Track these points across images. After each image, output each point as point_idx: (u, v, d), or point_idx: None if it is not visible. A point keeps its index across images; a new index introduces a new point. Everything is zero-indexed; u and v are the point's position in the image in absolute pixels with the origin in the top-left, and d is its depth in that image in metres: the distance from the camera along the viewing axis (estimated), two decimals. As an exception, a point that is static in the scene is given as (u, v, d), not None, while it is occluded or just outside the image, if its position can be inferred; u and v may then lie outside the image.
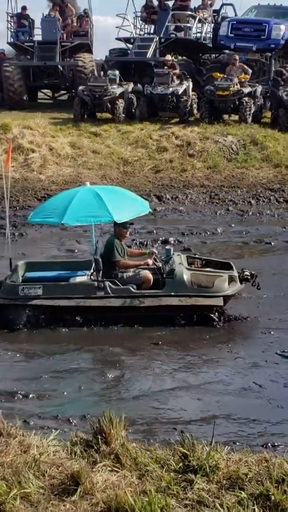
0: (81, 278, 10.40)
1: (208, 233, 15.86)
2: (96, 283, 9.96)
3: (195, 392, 7.94)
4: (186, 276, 10.03)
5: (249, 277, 10.56)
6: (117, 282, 10.00)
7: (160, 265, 10.35)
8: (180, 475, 4.78)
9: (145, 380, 8.35)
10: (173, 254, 10.60)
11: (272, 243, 14.98)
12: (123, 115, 23.33)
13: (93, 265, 10.11)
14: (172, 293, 9.95)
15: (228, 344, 9.37)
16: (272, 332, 9.72)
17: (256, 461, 4.96)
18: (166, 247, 11.10)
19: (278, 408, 7.51)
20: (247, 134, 22.66)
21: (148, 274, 10.21)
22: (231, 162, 21.78)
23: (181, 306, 9.93)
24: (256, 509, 4.30)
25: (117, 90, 23.03)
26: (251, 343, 9.56)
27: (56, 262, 11.66)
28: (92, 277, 10.20)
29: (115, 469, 4.90)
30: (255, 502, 4.38)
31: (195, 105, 24.37)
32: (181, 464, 4.88)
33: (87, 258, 11.05)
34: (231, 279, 10.23)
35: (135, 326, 9.79)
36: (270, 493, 4.42)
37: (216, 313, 9.98)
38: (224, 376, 8.35)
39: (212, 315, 9.93)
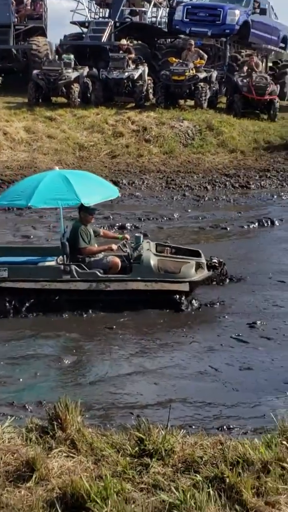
0: (50, 263, 10.36)
1: (165, 218, 15.89)
2: (62, 267, 9.94)
3: (151, 377, 7.95)
4: (153, 261, 10.04)
5: (217, 265, 10.64)
6: (84, 266, 9.98)
7: (129, 251, 10.35)
8: (136, 460, 4.79)
9: (102, 366, 8.33)
10: (142, 241, 10.61)
11: (228, 228, 15.08)
12: (79, 100, 23.21)
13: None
14: (138, 278, 9.97)
15: (183, 328, 9.40)
16: (226, 317, 9.79)
17: (211, 444, 4.99)
18: (136, 234, 11.10)
19: (234, 391, 7.57)
20: (203, 119, 22.74)
21: (115, 259, 10.21)
22: (187, 147, 21.85)
23: (147, 290, 9.94)
24: (211, 491, 4.33)
25: (72, 74, 22.87)
26: (207, 327, 9.60)
27: (26, 247, 11.58)
28: (59, 261, 10.16)
29: (71, 454, 4.88)
30: (210, 485, 4.41)
31: (150, 90, 24.35)
32: (137, 449, 4.88)
33: (58, 244, 10.97)
34: (198, 266, 10.27)
35: (91, 311, 9.76)
36: (225, 475, 4.45)
37: (182, 298, 10.02)
38: (180, 360, 8.38)
39: (178, 300, 9.97)
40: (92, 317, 9.71)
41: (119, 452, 4.89)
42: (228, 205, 17.66)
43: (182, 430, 5.33)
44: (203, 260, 10.43)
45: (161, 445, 4.85)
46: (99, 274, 9.95)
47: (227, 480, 4.44)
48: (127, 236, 10.80)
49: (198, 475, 4.53)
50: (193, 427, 6.44)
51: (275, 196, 18.57)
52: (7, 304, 9.76)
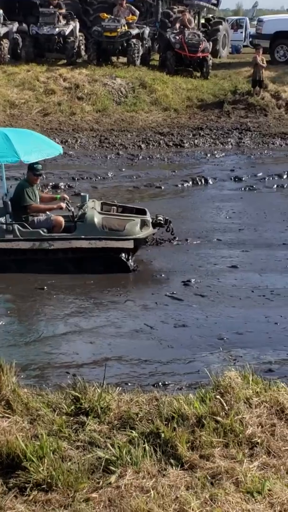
0: None
1: (99, 177, 15.78)
2: (4, 226, 9.80)
3: (86, 336, 7.96)
4: (97, 219, 9.99)
5: (162, 222, 10.63)
6: (27, 225, 9.85)
7: (73, 210, 10.24)
8: (72, 418, 4.81)
9: (37, 326, 8.30)
10: (87, 200, 10.49)
11: (162, 187, 15.10)
12: (8, 56, 22.72)
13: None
14: (82, 236, 9.91)
15: (117, 288, 9.42)
16: (161, 275, 9.85)
17: (147, 401, 5.04)
18: (81, 194, 10.96)
19: (169, 348, 7.65)
20: (136, 76, 22.55)
21: (59, 218, 10.13)
22: (120, 105, 21.66)
23: (91, 248, 9.90)
24: (147, 447, 4.39)
25: (1, 29, 22.27)
26: (141, 286, 9.65)
27: None
28: (1, 220, 9.99)
29: (6, 415, 4.87)
30: (145, 440, 4.47)
31: (82, 47, 23.98)
32: (72, 407, 4.90)
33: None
34: (143, 224, 10.25)
35: (23, 272, 9.66)
36: (160, 431, 4.52)
37: (127, 256, 10.01)
38: (115, 319, 8.41)
39: (123, 258, 9.96)
40: (23, 277, 9.61)
41: (55, 411, 4.90)
42: (162, 164, 17.64)
43: (118, 387, 5.37)
44: (148, 217, 10.40)
45: (97, 403, 4.88)
46: (42, 233, 9.85)
47: (163, 435, 4.50)
48: (65, 195, 10.67)
49: (133, 431, 4.58)
50: (129, 384, 6.49)
51: (209, 155, 18.63)
52: None
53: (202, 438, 4.51)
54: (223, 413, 4.74)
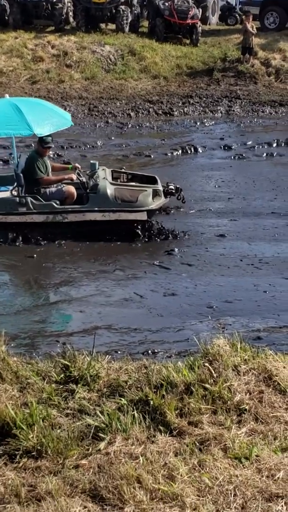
0: (4, 193, 10.10)
1: (88, 146, 15.69)
2: (17, 199, 9.72)
3: (76, 305, 7.99)
4: (110, 190, 9.92)
5: (173, 191, 10.58)
6: (39, 197, 9.78)
7: (84, 179, 10.16)
8: (61, 386, 4.84)
9: (27, 295, 8.31)
10: (98, 168, 10.39)
11: (152, 156, 15.03)
12: (-4, 23, 22.34)
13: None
14: (96, 208, 9.85)
15: (104, 256, 9.43)
16: (148, 245, 9.85)
17: (136, 369, 5.07)
18: (91, 161, 10.88)
19: (158, 316, 7.69)
20: (125, 44, 22.32)
21: (71, 189, 10.05)
22: (109, 73, 21.47)
23: (104, 221, 9.86)
24: (136, 414, 4.42)
25: (-12, -4, 21.95)
26: (128, 255, 9.61)
27: None
28: (14, 192, 9.92)
29: (-4, 384, 4.89)
30: (134, 408, 4.50)
31: (71, 13, 23.62)
32: (62, 375, 4.92)
33: (10, 173, 10.65)
34: (155, 193, 10.20)
35: (9, 241, 9.66)
36: (149, 398, 4.55)
37: (140, 228, 9.99)
38: (105, 288, 8.43)
39: (136, 230, 9.94)
40: (11, 246, 9.59)
41: (45, 380, 4.92)
42: (151, 132, 17.55)
43: (107, 356, 5.40)
44: (160, 187, 10.36)
45: (87, 371, 4.91)
46: (55, 205, 9.80)
47: (151, 403, 4.53)
48: (77, 165, 10.58)
49: (123, 399, 4.61)
50: (118, 352, 6.54)
51: (198, 123, 18.54)
52: None
53: (191, 405, 4.55)
54: (212, 380, 4.77)
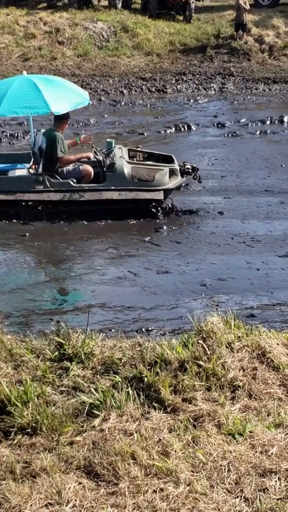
0: (21, 171, 10.07)
1: (81, 124, 15.62)
2: (35, 177, 9.70)
3: (70, 283, 7.99)
4: (127, 169, 9.90)
5: (190, 170, 10.54)
6: (57, 176, 9.74)
7: (101, 158, 10.09)
8: (55, 364, 4.84)
9: (20, 274, 8.30)
10: (114, 147, 10.33)
11: (145, 134, 14.98)
12: (-13, -1, 22.12)
13: (32, 158, 9.82)
14: (113, 187, 9.82)
15: (95, 234, 9.42)
16: (141, 222, 9.83)
17: (130, 346, 5.08)
18: (107, 140, 10.82)
19: (152, 294, 7.70)
20: (118, 20, 22.13)
21: (88, 168, 10.02)
22: (102, 50, 21.32)
23: (121, 200, 9.84)
24: (130, 391, 4.44)
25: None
26: (118, 233, 9.59)
27: None
28: (31, 170, 9.88)
29: (-10, 362, 4.90)
30: (129, 385, 4.52)
31: (63, -11, 23.42)
32: (56, 353, 4.93)
33: (27, 150, 10.61)
34: (172, 173, 10.17)
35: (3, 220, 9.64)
36: (143, 375, 4.56)
37: (156, 207, 9.97)
38: (98, 266, 8.43)
39: (153, 209, 9.92)
40: (5, 224, 9.56)
41: (39, 357, 4.93)
42: (144, 110, 17.47)
43: (102, 333, 5.40)
44: (176, 166, 10.32)
45: (81, 349, 4.91)
46: (72, 183, 9.76)
47: (146, 380, 4.55)
48: (86, 134, 10.48)
49: (117, 376, 4.62)
50: (112, 330, 6.55)
51: (192, 100, 18.45)
52: None
53: (185, 382, 4.56)
54: (205, 357, 4.79)
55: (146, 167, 10.15)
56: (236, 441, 4.09)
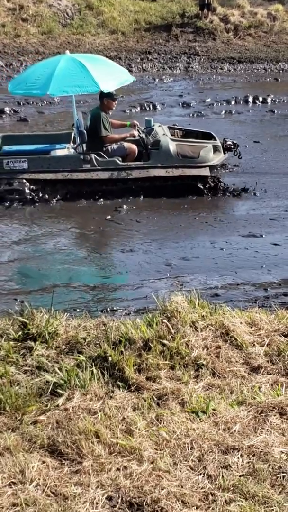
0: (61, 151, 10.01)
1: (45, 102, 15.47)
2: (82, 156, 9.66)
3: (34, 263, 7.94)
4: (172, 147, 9.88)
5: (232, 147, 10.52)
6: (103, 154, 9.70)
7: (143, 136, 10.04)
8: (19, 344, 4.83)
9: (-17, 254, 8.23)
10: (153, 125, 10.29)
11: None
12: None
13: (77, 138, 9.77)
14: (159, 165, 9.80)
15: (56, 214, 9.39)
16: (99, 202, 9.81)
17: (94, 326, 5.08)
18: (146, 118, 10.70)
19: (117, 274, 7.70)
20: (82, -3, 21.90)
21: (133, 146, 10.00)
22: (67, 27, 21.10)
23: (168, 177, 9.85)
24: (94, 370, 4.45)
25: None
26: (79, 212, 9.57)
27: (33, 135, 11.09)
28: (77, 150, 9.82)
29: None
30: (93, 364, 4.53)
31: None
32: (20, 333, 4.91)
33: (65, 130, 10.63)
34: (215, 149, 10.16)
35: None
36: (108, 354, 4.57)
37: (203, 183, 9.96)
38: (63, 246, 8.39)
39: (200, 186, 9.90)
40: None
41: (2, 337, 4.90)
42: (109, 89, 17.31)
43: (66, 313, 5.39)
44: (218, 142, 10.32)
45: (45, 329, 4.90)
46: (118, 162, 9.74)
47: (110, 359, 4.56)
48: (136, 122, 10.42)
49: (81, 356, 4.63)
50: (77, 310, 6.53)
51: (157, 80, 18.38)
52: (29, 194, 9.65)
53: (149, 361, 4.59)
54: (170, 336, 4.81)
55: (190, 144, 10.17)
56: (200, 419, 4.13)
